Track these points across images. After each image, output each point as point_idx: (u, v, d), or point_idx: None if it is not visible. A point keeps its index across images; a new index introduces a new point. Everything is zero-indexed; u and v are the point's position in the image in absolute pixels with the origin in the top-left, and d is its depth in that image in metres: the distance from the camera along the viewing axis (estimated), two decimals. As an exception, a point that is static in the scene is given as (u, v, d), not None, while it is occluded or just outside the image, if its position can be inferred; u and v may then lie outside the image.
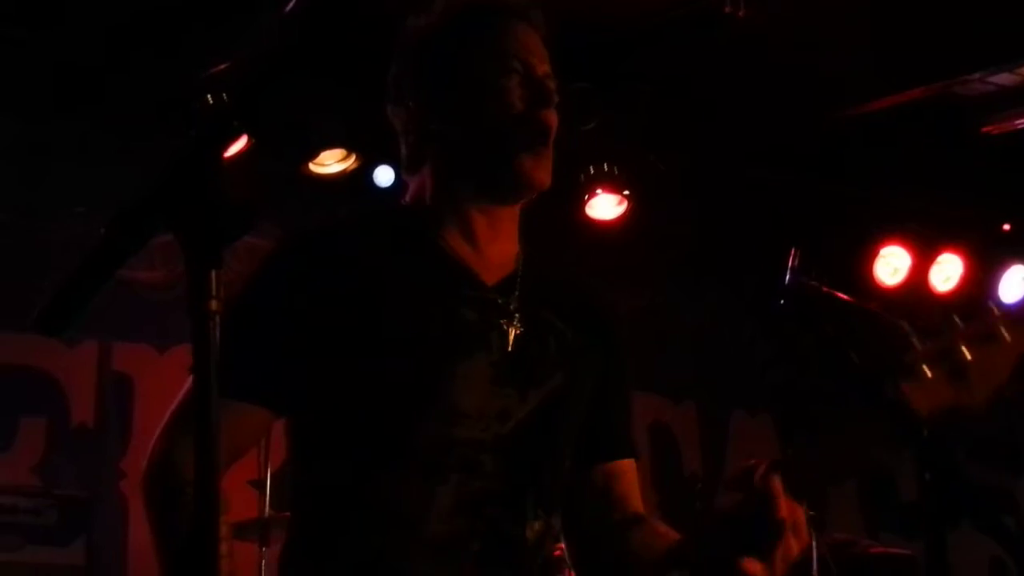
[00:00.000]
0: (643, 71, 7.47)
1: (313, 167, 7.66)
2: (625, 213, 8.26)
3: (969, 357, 2.67)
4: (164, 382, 7.85)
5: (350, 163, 7.69)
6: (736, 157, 8.42)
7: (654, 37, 7.19)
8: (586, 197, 8.17)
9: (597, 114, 7.62)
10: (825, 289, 6.05)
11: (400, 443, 2.67)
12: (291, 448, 2.82)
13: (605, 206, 8.26)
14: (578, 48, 7.19)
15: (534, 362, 2.79)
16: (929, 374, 2.70)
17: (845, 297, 6.27)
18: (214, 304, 1.90)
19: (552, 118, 2.79)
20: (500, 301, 2.80)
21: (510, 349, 2.76)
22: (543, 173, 2.80)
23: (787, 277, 5.94)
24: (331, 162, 7.70)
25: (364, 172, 7.75)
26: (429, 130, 2.82)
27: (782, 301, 5.93)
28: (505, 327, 2.77)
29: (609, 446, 2.99)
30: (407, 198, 2.92)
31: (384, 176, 7.74)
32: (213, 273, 1.91)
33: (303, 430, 2.79)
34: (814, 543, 7.01)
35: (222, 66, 6.54)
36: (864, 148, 8.31)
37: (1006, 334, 2.67)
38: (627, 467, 3.00)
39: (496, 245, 2.87)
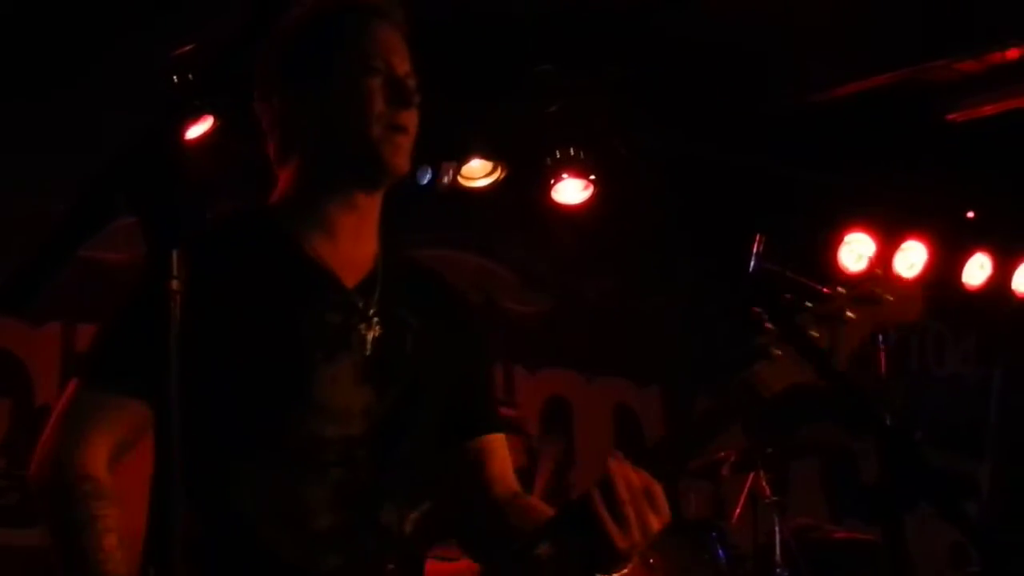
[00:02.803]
0: (608, 54, 7.47)
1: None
2: (591, 197, 8.26)
3: (816, 336, 2.92)
4: (128, 363, 7.84)
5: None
6: (702, 142, 8.43)
7: (620, 19, 7.19)
8: (552, 181, 8.17)
9: (561, 97, 7.63)
10: (790, 275, 6.07)
11: (277, 442, 2.81)
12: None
13: (571, 190, 8.26)
14: (542, 30, 7.20)
15: (392, 361, 2.94)
16: (778, 353, 2.92)
17: (810, 283, 6.30)
18: (175, 284, 1.90)
19: (410, 116, 2.95)
20: (360, 304, 2.94)
21: (369, 351, 2.90)
22: (401, 159, 2.94)
23: (752, 263, 5.96)
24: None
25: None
26: (294, 127, 2.96)
27: (747, 285, 5.95)
28: (364, 330, 2.91)
29: (474, 423, 3.14)
30: (275, 195, 3.04)
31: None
32: (174, 253, 1.91)
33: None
34: (777, 528, 7.05)
35: (188, 47, 6.52)
36: (829, 134, 8.33)
37: (850, 315, 2.92)
38: (496, 441, 3.16)
39: (358, 244, 3.00)
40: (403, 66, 2.96)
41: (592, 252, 9.23)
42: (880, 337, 5.91)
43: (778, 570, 6.94)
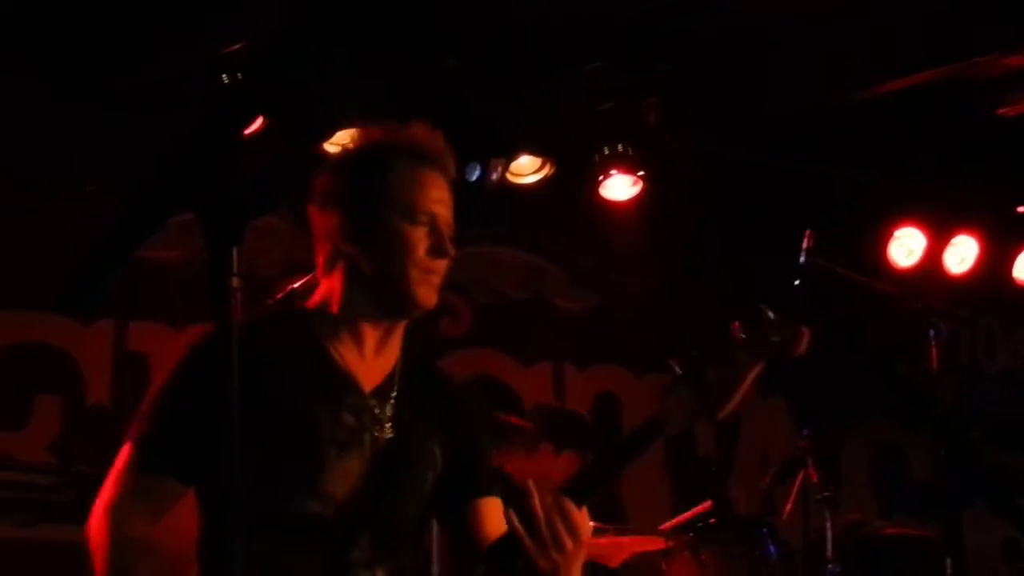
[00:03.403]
0: (659, 51, 7.46)
1: (328, 147, 7.65)
2: (640, 194, 8.24)
3: (712, 377, 3.33)
4: (179, 361, 7.88)
5: (365, 143, 7.65)
6: (751, 138, 8.41)
7: (668, 17, 7.19)
8: (600, 178, 8.16)
9: (613, 95, 7.62)
10: (840, 271, 6.06)
11: (288, 519, 3.18)
12: (197, 514, 3.28)
13: (619, 187, 8.24)
14: (595, 27, 7.19)
15: (399, 460, 3.32)
16: (681, 392, 3.34)
17: (860, 279, 6.28)
18: (235, 281, 1.93)
19: (445, 264, 3.33)
20: (375, 409, 3.33)
21: (380, 448, 3.29)
22: (432, 298, 3.33)
23: (802, 259, 5.95)
24: (346, 142, 7.68)
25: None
26: (343, 250, 3.34)
27: (797, 282, 5.94)
28: (376, 432, 3.30)
29: (469, 489, 3.49)
30: (315, 298, 3.42)
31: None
32: (233, 250, 1.95)
33: (202, 502, 3.26)
34: (828, 523, 7.03)
35: (237, 45, 6.54)
36: (879, 130, 8.29)
37: (742, 358, 3.33)
38: (491, 503, 3.49)
39: (381, 355, 3.39)
40: (445, 216, 3.33)
41: (640, 248, 9.22)
42: (931, 332, 5.90)
43: (829, 566, 6.91)
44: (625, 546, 7.47)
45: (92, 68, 7.06)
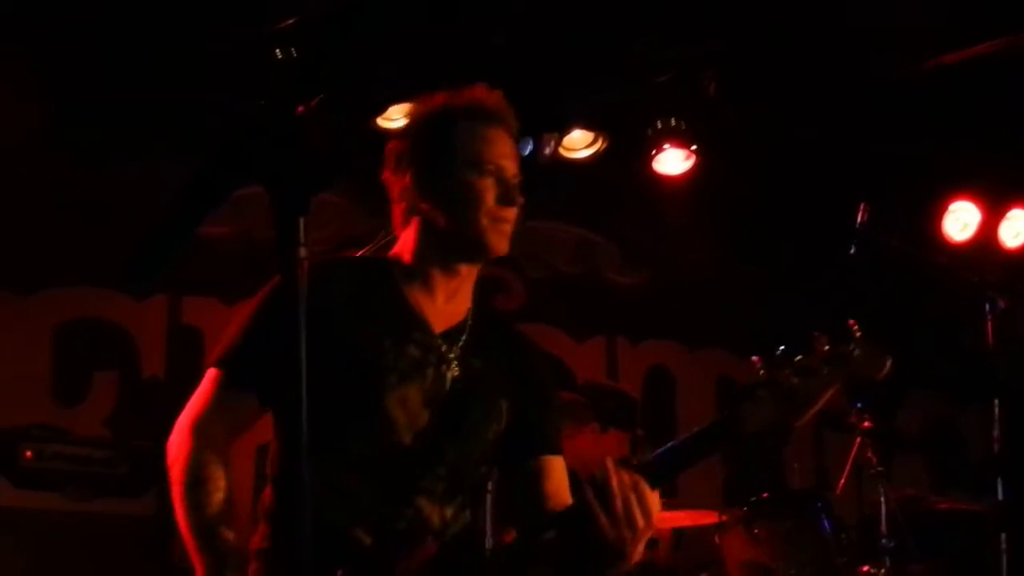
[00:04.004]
0: (719, 22, 7.43)
1: (381, 122, 7.66)
2: (692, 168, 8.23)
3: (796, 383, 3.36)
4: (233, 335, 7.93)
5: (417, 118, 7.64)
6: (805, 111, 8.37)
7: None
8: (653, 152, 8.14)
9: (669, 68, 7.59)
10: (895, 244, 6.03)
11: (354, 445, 3.35)
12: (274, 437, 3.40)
13: (673, 161, 8.23)
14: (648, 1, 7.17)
15: (463, 404, 3.48)
16: (762, 396, 3.37)
17: (915, 252, 6.25)
18: (302, 251, 1.97)
19: (513, 212, 3.53)
20: (443, 348, 3.51)
21: (445, 389, 3.46)
22: (503, 244, 3.53)
23: (856, 232, 5.92)
24: (399, 117, 7.69)
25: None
26: (418, 207, 3.56)
27: (852, 254, 5.92)
28: (444, 369, 3.48)
29: (535, 445, 3.63)
30: (394, 251, 3.64)
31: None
32: (300, 220, 2.01)
33: (278, 425, 3.32)
34: (882, 498, 7.01)
35: (291, 20, 6.56)
36: (934, 102, 8.23)
37: (822, 372, 3.35)
38: (554, 462, 3.64)
39: (452, 302, 3.58)
40: (511, 168, 3.55)
41: (694, 222, 9.20)
42: (987, 306, 5.86)
43: (883, 540, 6.89)
44: (679, 519, 7.49)
45: (153, 44, 7.08)
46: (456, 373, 3.49)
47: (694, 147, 8.10)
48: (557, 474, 3.61)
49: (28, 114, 7.04)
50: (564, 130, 7.95)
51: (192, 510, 3.28)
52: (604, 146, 8.10)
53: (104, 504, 7.54)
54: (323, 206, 7.94)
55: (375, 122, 7.64)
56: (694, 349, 9.85)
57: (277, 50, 6.53)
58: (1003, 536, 5.83)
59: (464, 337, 3.55)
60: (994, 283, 6.02)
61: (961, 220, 9.00)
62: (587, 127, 8.04)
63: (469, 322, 3.59)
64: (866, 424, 7.23)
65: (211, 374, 3.45)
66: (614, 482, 3.16)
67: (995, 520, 6.12)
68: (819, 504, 6.95)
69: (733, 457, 9.44)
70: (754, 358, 3.46)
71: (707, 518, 7.38)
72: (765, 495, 7.16)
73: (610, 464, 3.19)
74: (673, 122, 8.03)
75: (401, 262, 3.59)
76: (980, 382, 5.88)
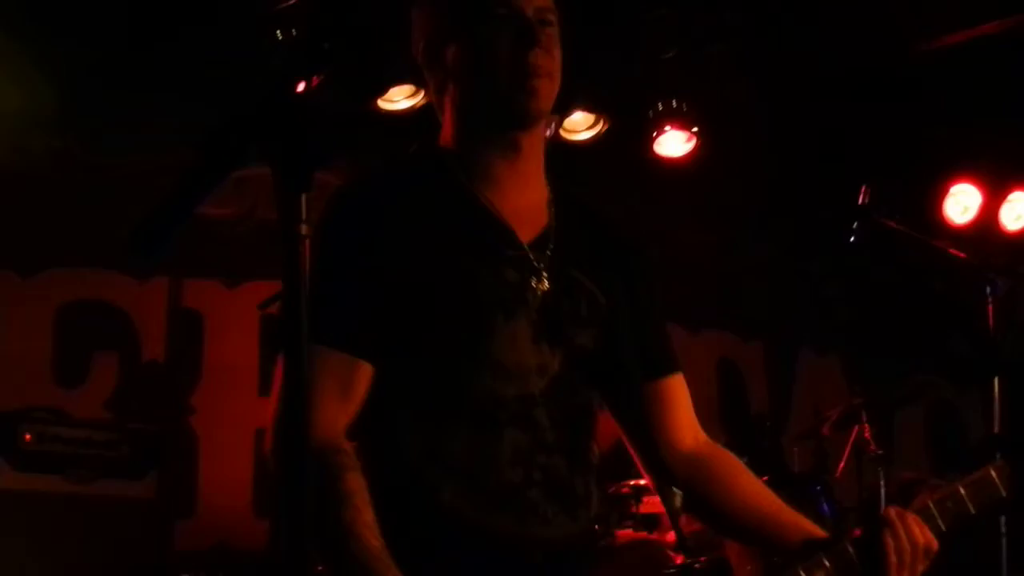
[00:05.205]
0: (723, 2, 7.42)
1: (382, 103, 7.65)
2: (694, 150, 8.21)
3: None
4: (233, 318, 7.92)
5: (419, 99, 7.63)
6: (807, 93, 8.36)
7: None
8: (654, 134, 8.13)
9: (677, 42, 7.56)
10: (896, 226, 6.02)
11: (456, 399, 2.81)
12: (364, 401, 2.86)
13: (674, 143, 8.22)
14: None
15: (565, 320, 2.94)
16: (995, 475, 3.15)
17: (916, 234, 6.24)
18: (304, 228, 1.98)
19: (539, 55, 2.90)
20: (534, 259, 2.93)
21: (539, 306, 2.90)
22: (535, 102, 2.91)
23: (858, 213, 5.92)
24: (400, 98, 7.68)
25: (433, 108, 7.70)
26: (441, 92, 3.04)
27: (853, 237, 5.91)
28: (535, 284, 2.91)
29: (651, 365, 3.15)
30: (441, 139, 3.07)
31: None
32: (303, 197, 1.99)
33: (373, 383, 2.85)
34: (882, 481, 7.01)
35: (292, 1, 6.55)
36: (937, 83, 8.23)
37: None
38: (675, 382, 3.20)
39: (524, 193, 3.01)
40: (530, 6, 2.93)
41: (695, 204, 9.19)
42: (988, 289, 5.86)
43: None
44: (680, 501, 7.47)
45: (154, 26, 7.07)
46: (547, 287, 2.92)
47: (695, 129, 8.09)
48: (680, 397, 3.21)
49: (36, 93, 7.03)
50: (565, 112, 7.94)
51: (334, 537, 2.65)
52: (605, 128, 8.09)
53: (104, 486, 7.53)
54: (326, 187, 7.92)
55: (377, 103, 7.63)
56: (696, 331, 9.84)
57: (278, 30, 6.52)
58: (1002, 519, 5.83)
59: (551, 246, 2.97)
60: (995, 266, 6.01)
61: (962, 203, 9.01)
62: (588, 109, 8.03)
63: (553, 224, 3.01)
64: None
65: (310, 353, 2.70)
66: (916, 533, 2.95)
67: (1007, 498, 6.10)
68: (819, 488, 6.95)
69: (734, 442, 9.45)
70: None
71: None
72: (765, 478, 7.14)
73: (913, 517, 2.98)
74: (675, 104, 8.02)
75: (451, 152, 3.01)
76: (981, 363, 5.87)
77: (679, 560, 6.43)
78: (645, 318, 3.16)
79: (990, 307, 5.88)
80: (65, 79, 7.17)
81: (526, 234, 2.95)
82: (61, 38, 7.05)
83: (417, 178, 2.99)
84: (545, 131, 3.07)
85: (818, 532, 3.08)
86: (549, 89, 2.93)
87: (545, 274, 2.92)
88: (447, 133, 3.04)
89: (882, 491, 7.00)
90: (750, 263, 9.54)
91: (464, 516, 2.78)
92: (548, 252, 2.95)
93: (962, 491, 3.10)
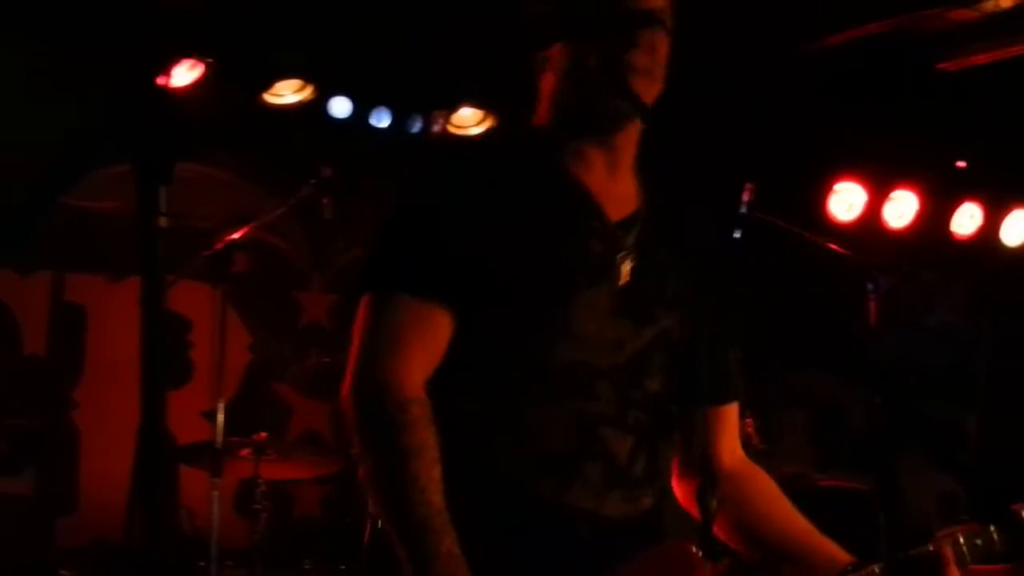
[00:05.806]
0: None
1: (268, 97, 7.59)
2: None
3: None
4: (116, 313, 7.83)
5: (306, 94, 7.60)
6: (690, 90, 8.39)
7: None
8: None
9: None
10: (780, 224, 6.06)
11: (523, 360, 2.82)
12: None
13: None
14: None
15: (649, 298, 2.96)
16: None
17: (800, 232, 6.30)
18: (162, 220, 1.94)
19: (641, 57, 3.00)
20: (620, 235, 2.96)
21: (625, 281, 2.92)
22: (634, 104, 2.96)
23: (742, 211, 5.95)
24: (287, 92, 7.63)
25: (320, 103, 7.67)
26: (542, 68, 3.10)
27: (737, 236, 5.95)
28: (621, 260, 2.93)
29: (718, 390, 3.18)
30: (537, 120, 3.12)
31: (340, 107, 7.66)
32: (161, 190, 1.97)
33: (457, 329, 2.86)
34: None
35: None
36: (819, 83, 8.30)
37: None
38: (732, 411, 3.24)
39: (615, 180, 3.04)
40: (641, 6, 3.06)
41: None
42: (870, 286, 5.92)
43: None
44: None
45: (22, 17, 6.98)
46: (634, 264, 2.94)
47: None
48: (732, 424, 3.25)
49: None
50: (453, 107, 7.93)
51: (401, 491, 2.67)
52: (493, 124, 8.09)
53: (-18, 481, 7.46)
54: (210, 181, 7.86)
55: (262, 97, 7.58)
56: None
57: (154, 23, 6.46)
58: (882, 515, 5.90)
59: (637, 229, 3.00)
60: (878, 264, 6.07)
61: (846, 201, 9.09)
62: (476, 105, 8.02)
63: (642, 210, 3.05)
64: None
65: (373, 298, 2.82)
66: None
67: (875, 497, 6.18)
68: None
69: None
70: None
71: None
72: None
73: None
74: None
75: (548, 136, 3.05)
76: (862, 363, 5.94)
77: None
78: (721, 341, 3.18)
79: (872, 304, 5.95)
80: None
81: (615, 213, 2.99)
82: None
83: (518, 156, 3.06)
84: (639, 125, 3.11)
85: (843, 555, 3.15)
86: (649, 88, 3.03)
87: (632, 253, 2.95)
88: (543, 114, 3.09)
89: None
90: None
91: (512, 480, 2.79)
92: (635, 233, 2.98)
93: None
